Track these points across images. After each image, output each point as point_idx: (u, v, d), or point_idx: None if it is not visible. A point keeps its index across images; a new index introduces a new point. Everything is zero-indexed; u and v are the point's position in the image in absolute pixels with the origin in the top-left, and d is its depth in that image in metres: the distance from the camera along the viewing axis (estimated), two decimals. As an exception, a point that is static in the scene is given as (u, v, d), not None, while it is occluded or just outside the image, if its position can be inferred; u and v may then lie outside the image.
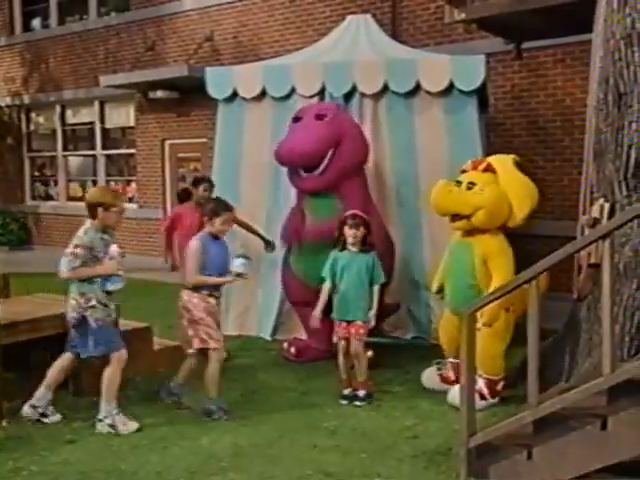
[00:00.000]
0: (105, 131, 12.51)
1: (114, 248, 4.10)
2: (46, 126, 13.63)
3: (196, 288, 4.32)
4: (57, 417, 4.25)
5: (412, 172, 5.95)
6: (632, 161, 3.82)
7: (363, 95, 6.03)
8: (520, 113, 8.10)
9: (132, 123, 11.88)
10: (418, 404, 4.50)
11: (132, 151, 11.96)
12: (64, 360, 4.25)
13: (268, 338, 6.21)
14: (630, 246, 3.76)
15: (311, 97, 6.10)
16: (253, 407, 4.51)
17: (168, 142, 11.33)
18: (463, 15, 6.32)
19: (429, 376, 4.80)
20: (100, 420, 4.12)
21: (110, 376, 4.13)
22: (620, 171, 3.88)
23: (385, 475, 3.50)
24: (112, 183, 12.53)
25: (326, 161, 5.13)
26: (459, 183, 4.55)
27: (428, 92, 5.86)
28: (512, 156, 4.59)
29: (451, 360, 4.67)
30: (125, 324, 5.15)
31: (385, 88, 5.96)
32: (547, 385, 3.85)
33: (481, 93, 5.99)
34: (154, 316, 6.49)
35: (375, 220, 5.15)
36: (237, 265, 4.29)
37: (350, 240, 4.60)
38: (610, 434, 2.79)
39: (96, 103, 12.34)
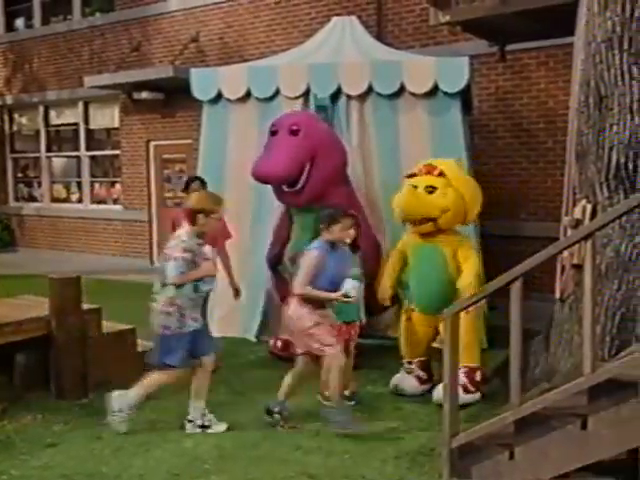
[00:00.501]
0: (89, 132, 12.42)
1: (208, 249, 4.14)
2: (29, 127, 13.51)
3: (304, 299, 4.14)
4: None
5: (397, 173, 5.94)
6: (613, 163, 3.86)
7: (348, 97, 6.04)
8: (504, 115, 8.15)
9: (117, 124, 11.81)
10: (402, 405, 4.51)
11: (117, 152, 11.89)
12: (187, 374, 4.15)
13: (253, 339, 6.19)
14: (612, 247, 3.79)
15: (296, 98, 6.11)
16: (238, 409, 4.50)
17: (153, 143, 11.28)
18: (447, 17, 6.37)
19: (402, 380, 4.80)
20: (190, 421, 4.15)
21: (201, 378, 4.15)
22: (602, 173, 3.91)
23: (368, 476, 3.50)
24: (96, 185, 12.48)
25: (304, 176, 5.14)
26: (414, 187, 4.70)
27: (412, 94, 5.89)
28: (453, 159, 4.87)
29: (421, 359, 4.80)
30: (108, 326, 5.14)
31: (370, 89, 5.98)
32: (529, 385, 3.89)
33: (465, 95, 6.03)
34: (139, 318, 6.43)
35: (363, 224, 5.16)
36: (348, 288, 4.08)
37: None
38: (590, 433, 2.83)
39: (80, 104, 12.26)
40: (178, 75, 9.23)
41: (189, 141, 10.45)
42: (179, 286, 4.00)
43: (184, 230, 4.11)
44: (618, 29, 3.85)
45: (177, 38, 10.75)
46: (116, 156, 11.96)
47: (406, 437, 3.98)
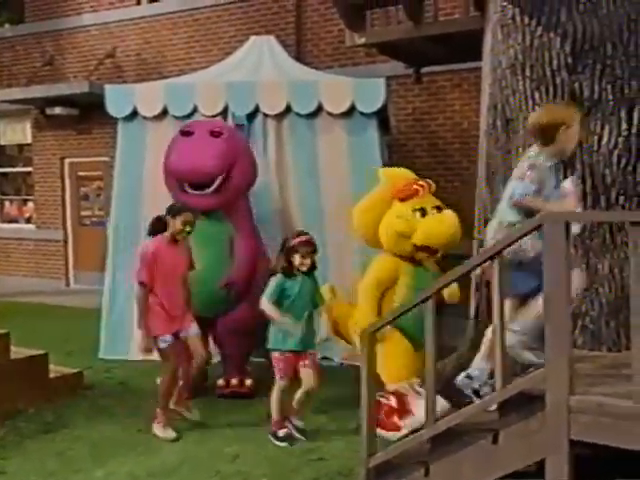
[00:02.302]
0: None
1: (569, 182, 3.24)
2: None
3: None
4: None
5: (315, 192, 6.01)
6: (520, 183, 4.00)
7: (266, 115, 6.06)
8: (421, 135, 8.39)
9: (29, 140, 11.36)
10: (324, 425, 4.49)
11: (29, 169, 11.43)
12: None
13: None
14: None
15: (214, 117, 6.06)
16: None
17: (68, 160, 10.93)
18: (363, 39, 6.50)
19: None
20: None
21: None
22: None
23: (287, 499, 3.46)
24: (7, 203, 11.92)
25: (219, 179, 5.01)
26: (422, 210, 4.20)
27: (330, 113, 5.95)
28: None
29: (406, 386, 4.18)
30: (18, 351, 4.91)
31: (288, 109, 6.00)
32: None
33: (382, 115, 6.15)
34: (53, 342, 6.19)
35: (259, 242, 5.29)
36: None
37: (302, 268, 4.18)
38: (501, 447, 2.89)
39: (-11, 119, 11.73)
40: (94, 91, 8.99)
41: (106, 158, 10.17)
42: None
43: (533, 151, 3.22)
44: (520, 56, 4.05)
45: (92, 53, 10.48)
46: (28, 173, 11.49)
47: (326, 457, 3.95)
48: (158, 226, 4.43)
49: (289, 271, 4.16)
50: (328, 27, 8.79)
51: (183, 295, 4.45)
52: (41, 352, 5.03)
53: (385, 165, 6.33)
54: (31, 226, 11.35)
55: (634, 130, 3.99)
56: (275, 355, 4.21)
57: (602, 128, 4.01)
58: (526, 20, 4.15)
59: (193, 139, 5.13)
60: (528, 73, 4.05)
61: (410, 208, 4.20)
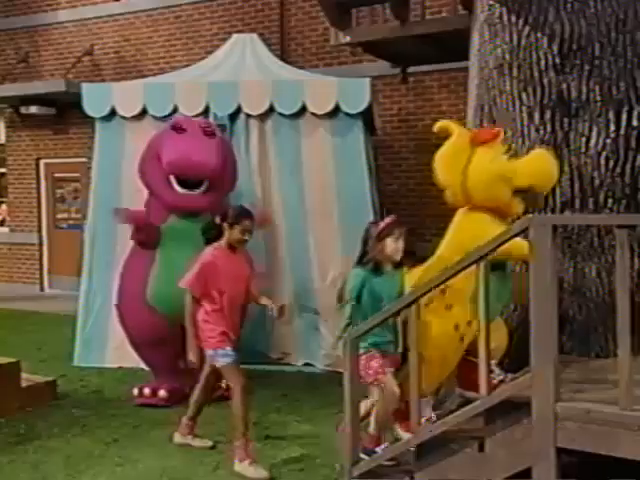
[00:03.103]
0: (-29, 148, 11.64)
1: None
2: None
3: None
4: None
5: (299, 193, 5.92)
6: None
7: (249, 116, 5.94)
8: (407, 136, 8.30)
9: (3, 140, 11.13)
10: (307, 433, 4.39)
11: (3, 170, 11.20)
12: None
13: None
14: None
15: (194, 117, 5.91)
16: (132, 444, 4.22)
17: (43, 161, 10.73)
18: (348, 38, 6.41)
19: None
20: None
21: None
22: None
23: (269, 513, 3.35)
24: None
25: (208, 180, 4.89)
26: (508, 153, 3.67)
27: (314, 114, 5.85)
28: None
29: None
30: (-13, 361, 4.75)
31: (271, 109, 5.89)
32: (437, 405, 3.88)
33: (367, 116, 6.06)
34: (25, 349, 6.04)
35: None
36: None
37: (397, 256, 3.49)
38: (487, 455, 2.87)
39: (-39, 117, 11.45)
40: (71, 89, 8.80)
41: (84, 159, 9.98)
42: None
43: None
44: (507, 56, 3.98)
45: (69, 50, 10.28)
46: (2, 174, 11.26)
47: (308, 467, 3.85)
48: (214, 232, 4.01)
49: (379, 264, 3.43)
50: (313, 25, 8.69)
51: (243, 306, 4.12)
52: (12, 360, 4.88)
53: (371, 167, 6.26)
54: (5, 229, 11.12)
55: (622, 132, 3.93)
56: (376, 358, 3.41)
57: (590, 130, 3.94)
58: (513, 19, 4.08)
59: (188, 135, 4.94)
60: (515, 73, 3.98)
61: (499, 152, 3.65)
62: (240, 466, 3.75)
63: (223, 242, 3.97)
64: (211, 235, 4.05)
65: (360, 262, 3.50)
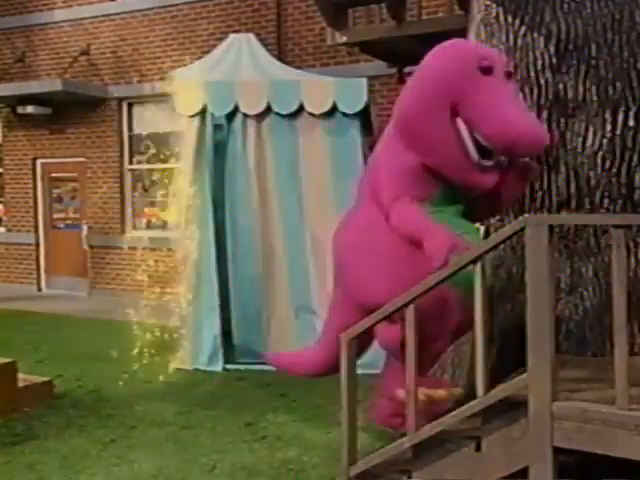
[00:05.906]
0: (-33, 147, 11.60)
1: None
2: None
3: None
4: None
5: (296, 193, 5.91)
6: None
7: (246, 116, 5.93)
8: (403, 136, 8.28)
9: (-1, 140, 11.10)
10: (304, 433, 4.38)
11: (-1, 170, 11.16)
12: None
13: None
14: (504, 268, 3.87)
15: (192, 117, 5.92)
16: (128, 444, 4.21)
17: (40, 161, 10.69)
18: (345, 38, 6.42)
19: None
20: None
21: None
22: (493, 195, 3.98)
23: (267, 513, 3.35)
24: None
25: None
26: None
27: (311, 114, 5.85)
28: None
29: None
30: (-17, 360, 4.73)
31: (268, 109, 5.89)
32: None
33: (365, 116, 6.06)
34: (22, 349, 6.02)
35: None
36: None
37: None
38: (484, 455, 2.86)
39: (-43, 117, 11.42)
40: (68, 89, 8.78)
41: (82, 159, 9.97)
42: None
43: None
44: (504, 56, 3.97)
45: (66, 50, 10.25)
46: (-1, 174, 11.22)
47: (306, 467, 3.85)
48: None
49: None
50: (310, 25, 8.68)
51: None
52: (9, 360, 4.85)
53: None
54: (1, 229, 11.08)
55: (618, 132, 3.94)
56: None
57: (586, 129, 3.95)
58: (510, 19, 4.09)
59: (505, 87, 3.29)
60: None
61: None
62: None
63: None
64: None
65: None
